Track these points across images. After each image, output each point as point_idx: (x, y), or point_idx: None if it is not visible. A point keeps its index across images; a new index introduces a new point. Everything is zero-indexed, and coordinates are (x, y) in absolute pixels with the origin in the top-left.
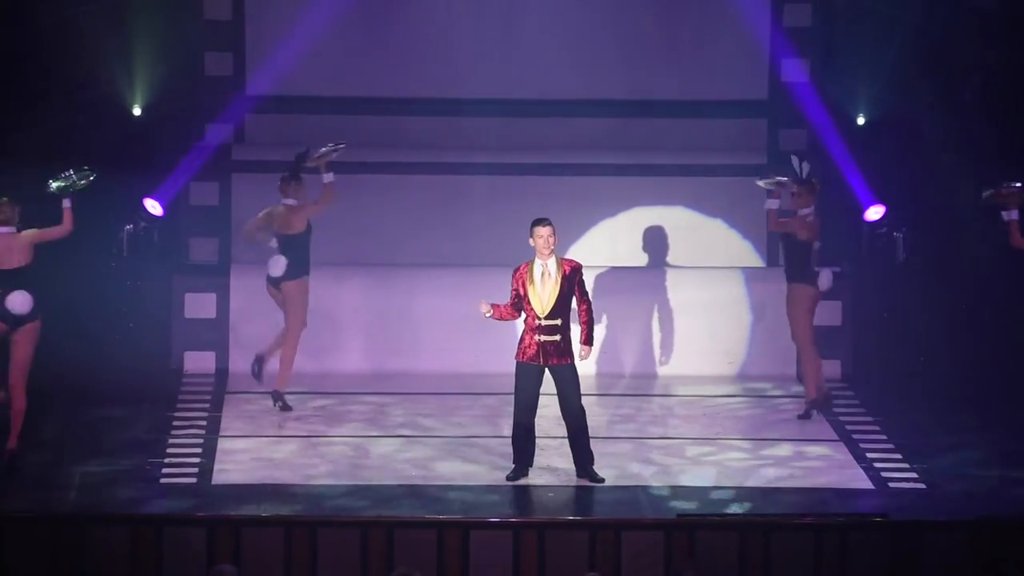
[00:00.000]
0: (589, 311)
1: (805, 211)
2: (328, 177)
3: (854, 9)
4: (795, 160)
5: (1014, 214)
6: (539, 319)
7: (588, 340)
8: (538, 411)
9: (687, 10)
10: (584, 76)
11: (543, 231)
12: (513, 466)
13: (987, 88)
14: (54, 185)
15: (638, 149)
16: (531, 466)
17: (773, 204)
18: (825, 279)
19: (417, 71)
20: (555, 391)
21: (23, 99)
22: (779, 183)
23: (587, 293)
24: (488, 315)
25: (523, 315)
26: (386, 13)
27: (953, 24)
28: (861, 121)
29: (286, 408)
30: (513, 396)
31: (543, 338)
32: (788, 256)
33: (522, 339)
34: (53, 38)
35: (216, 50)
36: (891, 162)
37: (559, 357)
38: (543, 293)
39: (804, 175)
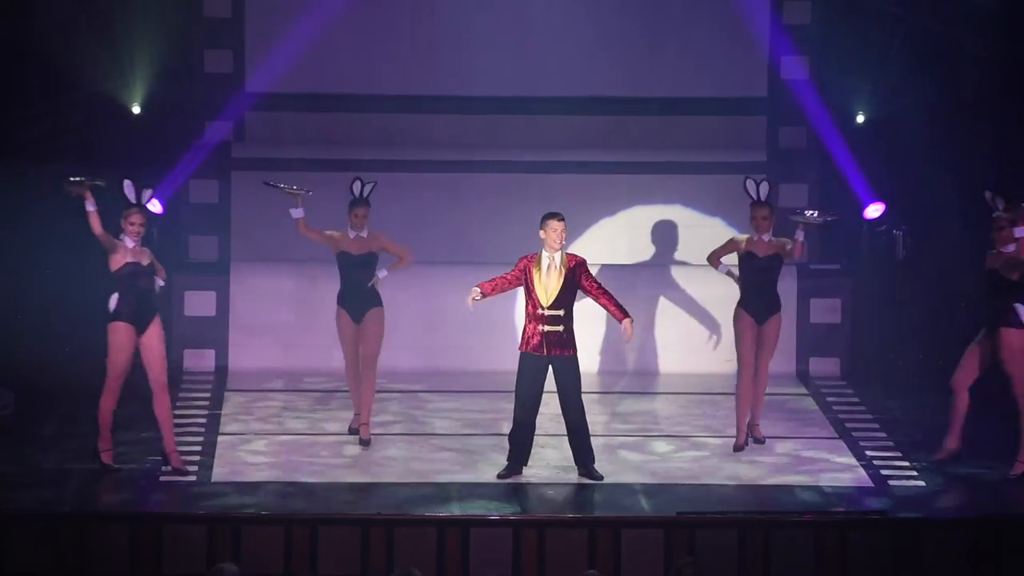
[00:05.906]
0: (609, 293)
1: (767, 235)
2: (296, 213)
3: (854, 7)
4: (751, 183)
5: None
6: (542, 308)
7: (625, 312)
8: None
9: (687, 7)
10: (583, 73)
11: (558, 225)
12: (507, 463)
13: (986, 86)
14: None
15: (637, 146)
16: (526, 464)
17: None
18: None
19: (416, 69)
20: (555, 388)
21: (23, 97)
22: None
23: (599, 282)
24: (478, 299)
25: (525, 305)
26: (385, 11)
27: (953, 22)
28: (861, 119)
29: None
30: (515, 392)
31: (546, 328)
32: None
33: (525, 330)
34: (53, 36)
35: (216, 48)
36: (890, 160)
37: (562, 348)
38: (548, 283)
39: (764, 198)
